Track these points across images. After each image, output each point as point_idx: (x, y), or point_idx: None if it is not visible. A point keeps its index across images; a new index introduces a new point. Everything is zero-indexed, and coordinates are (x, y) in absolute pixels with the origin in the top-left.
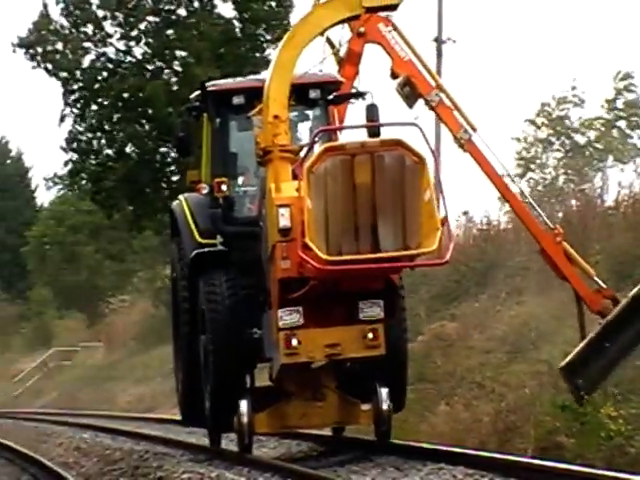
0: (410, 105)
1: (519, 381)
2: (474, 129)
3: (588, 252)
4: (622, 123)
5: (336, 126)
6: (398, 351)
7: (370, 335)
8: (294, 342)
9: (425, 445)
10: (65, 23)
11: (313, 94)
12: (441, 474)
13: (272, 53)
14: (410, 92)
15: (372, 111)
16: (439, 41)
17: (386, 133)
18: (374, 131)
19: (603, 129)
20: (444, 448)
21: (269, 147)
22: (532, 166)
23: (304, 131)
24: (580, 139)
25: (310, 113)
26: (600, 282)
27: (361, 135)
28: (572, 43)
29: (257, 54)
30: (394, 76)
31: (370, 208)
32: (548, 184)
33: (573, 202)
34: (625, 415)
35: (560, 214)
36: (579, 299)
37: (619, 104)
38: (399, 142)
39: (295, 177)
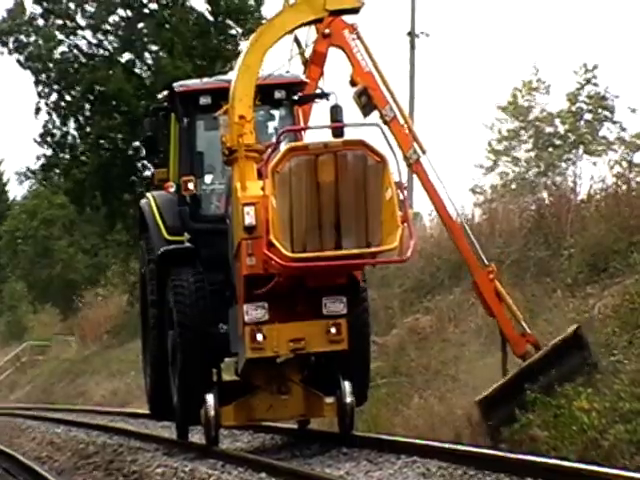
0: (365, 114)
1: (493, 374)
2: (424, 151)
3: (562, 245)
4: (589, 116)
5: (300, 126)
6: (361, 346)
7: (333, 330)
8: (259, 337)
9: (399, 438)
10: (39, 11)
11: (278, 95)
12: (415, 467)
13: (244, 46)
14: (367, 102)
15: (336, 112)
16: (412, 35)
17: (350, 134)
18: (338, 131)
19: (572, 120)
20: (418, 441)
21: (235, 147)
22: (504, 159)
23: (270, 131)
24: (549, 130)
25: (275, 113)
26: (525, 326)
27: (325, 135)
28: (538, 36)
29: (229, 47)
30: (353, 84)
31: (333, 206)
32: (519, 177)
33: (545, 195)
34: (599, 408)
35: (533, 207)
36: (504, 339)
37: (583, 97)
38: (361, 142)
39: (260, 176)
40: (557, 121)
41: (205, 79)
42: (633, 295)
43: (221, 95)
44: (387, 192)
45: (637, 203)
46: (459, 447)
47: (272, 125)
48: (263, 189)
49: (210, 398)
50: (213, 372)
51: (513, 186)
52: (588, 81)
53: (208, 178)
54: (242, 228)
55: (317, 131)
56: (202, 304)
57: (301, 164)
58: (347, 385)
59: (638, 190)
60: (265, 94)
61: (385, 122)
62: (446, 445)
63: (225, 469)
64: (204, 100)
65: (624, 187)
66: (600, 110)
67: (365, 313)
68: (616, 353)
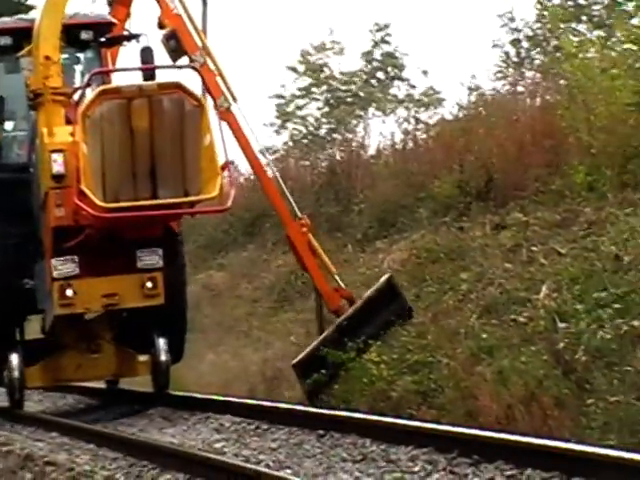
0: (174, 59)
1: (286, 329)
2: (235, 99)
3: (352, 201)
4: (381, 74)
5: (112, 68)
6: (177, 300)
7: (149, 284)
8: (69, 292)
9: (194, 395)
10: None
11: (85, 36)
12: (208, 423)
13: None
14: (176, 46)
15: (147, 54)
16: None
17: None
18: (149, 74)
19: (364, 79)
20: (211, 397)
21: (40, 90)
22: (294, 119)
23: (76, 75)
24: (341, 89)
25: (81, 56)
26: (339, 281)
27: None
28: None
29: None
30: (161, 26)
31: (148, 154)
32: (310, 135)
33: (336, 152)
34: (387, 360)
35: (324, 164)
36: (318, 294)
37: (377, 55)
38: (178, 85)
39: (68, 122)
40: (349, 79)
41: (5, 18)
42: (420, 250)
43: (23, 35)
44: (206, 138)
45: (423, 159)
46: (252, 402)
47: (78, 69)
48: (73, 135)
49: (14, 358)
50: (16, 331)
51: (305, 142)
52: (382, 39)
53: (9, 125)
54: (50, 177)
55: (128, 76)
56: (4, 258)
57: (113, 108)
58: (162, 342)
59: (424, 147)
60: (70, 35)
61: (195, 69)
62: (239, 400)
63: (14, 429)
64: (4, 41)
65: (411, 144)
66: (390, 68)
67: (181, 266)
68: None
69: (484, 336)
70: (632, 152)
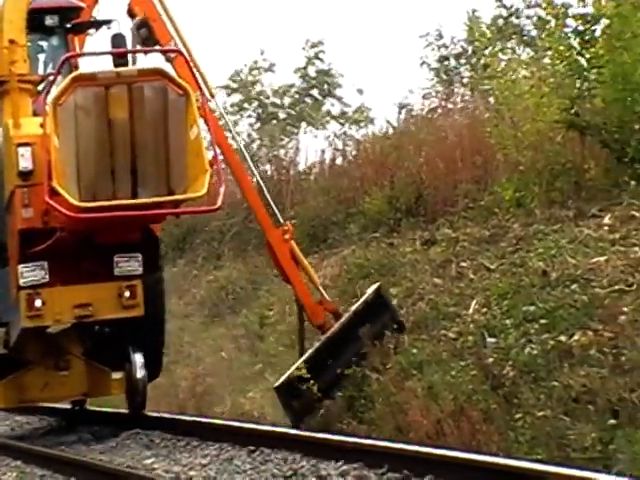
0: (145, 53)
1: (217, 345)
2: (212, 95)
3: (283, 216)
4: (315, 92)
5: (87, 52)
6: (156, 311)
7: (127, 294)
8: (38, 303)
9: (122, 411)
10: None
11: (50, 21)
12: (138, 439)
13: None
14: (147, 35)
15: (119, 41)
16: None
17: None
18: (121, 60)
19: (297, 96)
20: (141, 413)
21: (5, 77)
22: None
23: (39, 64)
24: (273, 105)
25: (45, 44)
26: (324, 292)
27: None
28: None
29: None
30: (131, 14)
31: (128, 147)
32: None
33: (267, 167)
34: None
35: (255, 179)
36: (301, 308)
37: (311, 72)
38: (160, 71)
39: (35, 114)
40: (281, 96)
41: None
42: (350, 265)
43: None
44: (192, 130)
45: (353, 175)
46: (182, 417)
47: (42, 58)
48: (43, 126)
49: None
50: None
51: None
52: (316, 56)
53: None
54: (16, 173)
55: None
56: None
57: (88, 96)
58: (138, 357)
59: (355, 163)
60: (34, 21)
61: (168, 60)
62: (169, 416)
63: None
64: None
65: (341, 160)
66: (325, 86)
67: (160, 273)
68: None
69: (414, 351)
70: (559, 169)
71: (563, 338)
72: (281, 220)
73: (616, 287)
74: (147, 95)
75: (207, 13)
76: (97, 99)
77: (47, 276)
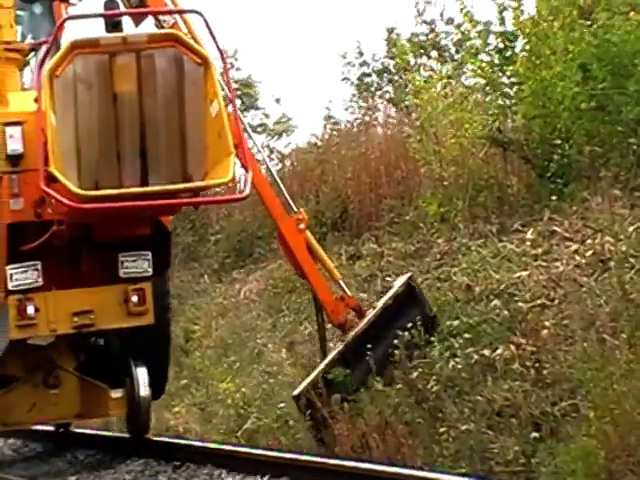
0: (137, 22)
1: None
2: None
3: (208, 231)
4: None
5: (89, 13)
6: (161, 319)
7: (134, 298)
8: (30, 310)
9: (46, 428)
10: None
11: None
12: (62, 455)
13: None
14: (138, 4)
15: (112, 7)
16: None
17: None
18: (114, 23)
19: None
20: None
21: None
22: None
23: (20, 34)
24: None
25: (25, 14)
26: (344, 287)
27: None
28: None
29: None
30: None
31: (137, 126)
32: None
33: None
34: (245, 390)
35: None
36: (318, 306)
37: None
38: (174, 37)
39: (24, 88)
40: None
41: None
42: (276, 280)
43: None
44: (212, 106)
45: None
46: (107, 434)
47: (26, 27)
48: (37, 101)
49: None
50: None
51: None
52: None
53: None
54: (3, 157)
55: None
56: None
57: (90, 67)
58: (142, 373)
59: (280, 177)
60: None
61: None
62: (94, 432)
63: None
64: None
65: (265, 173)
66: (245, 97)
67: (167, 275)
68: (260, 337)
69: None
70: (482, 184)
71: (487, 352)
72: (295, 208)
73: (538, 301)
74: (159, 65)
75: None
76: (100, 69)
77: (40, 279)
